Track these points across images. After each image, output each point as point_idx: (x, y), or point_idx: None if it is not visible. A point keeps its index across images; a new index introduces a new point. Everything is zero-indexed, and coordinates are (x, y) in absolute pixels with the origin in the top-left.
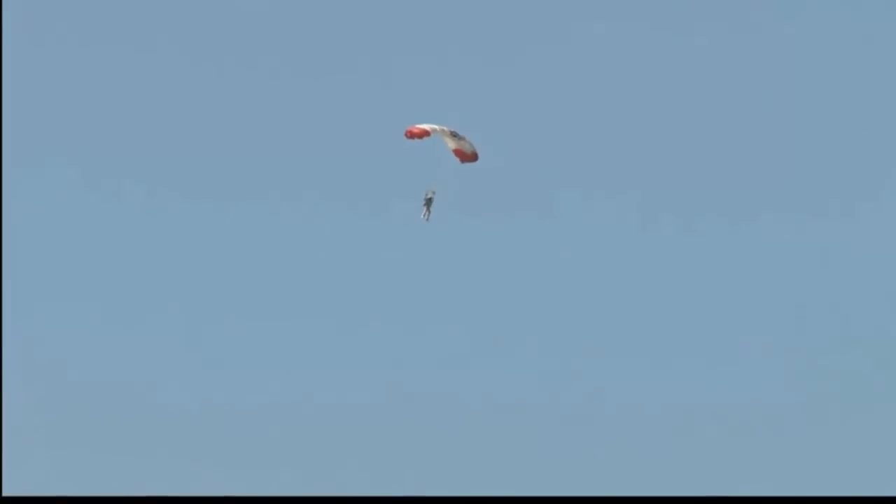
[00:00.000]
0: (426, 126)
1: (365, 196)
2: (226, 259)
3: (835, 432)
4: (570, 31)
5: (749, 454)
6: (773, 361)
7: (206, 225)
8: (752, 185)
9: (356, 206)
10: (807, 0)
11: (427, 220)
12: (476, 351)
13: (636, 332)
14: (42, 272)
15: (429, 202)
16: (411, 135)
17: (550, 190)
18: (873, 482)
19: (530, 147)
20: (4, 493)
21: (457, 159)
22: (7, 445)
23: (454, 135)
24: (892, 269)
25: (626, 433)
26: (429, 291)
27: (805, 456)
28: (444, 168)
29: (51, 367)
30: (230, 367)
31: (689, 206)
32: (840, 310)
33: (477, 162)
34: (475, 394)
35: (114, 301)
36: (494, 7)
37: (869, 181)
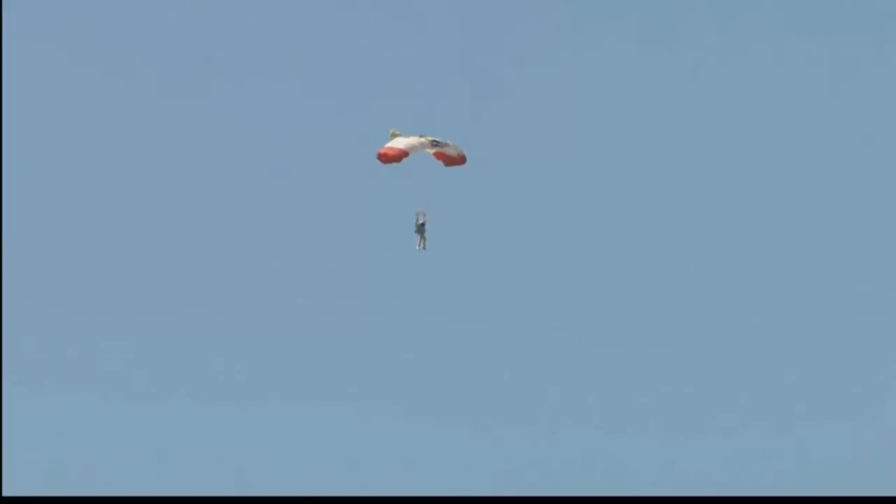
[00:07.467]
0: (402, 145)
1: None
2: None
3: None
4: None
5: None
6: None
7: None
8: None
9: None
10: None
11: (423, 248)
12: None
13: None
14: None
15: (421, 228)
16: (386, 158)
17: None
18: None
19: None
20: (4, 494)
21: (440, 163)
22: (7, 445)
23: (435, 143)
24: None
25: None
26: None
27: None
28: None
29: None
30: None
31: None
32: None
33: (465, 165)
34: None
35: None
36: None
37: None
